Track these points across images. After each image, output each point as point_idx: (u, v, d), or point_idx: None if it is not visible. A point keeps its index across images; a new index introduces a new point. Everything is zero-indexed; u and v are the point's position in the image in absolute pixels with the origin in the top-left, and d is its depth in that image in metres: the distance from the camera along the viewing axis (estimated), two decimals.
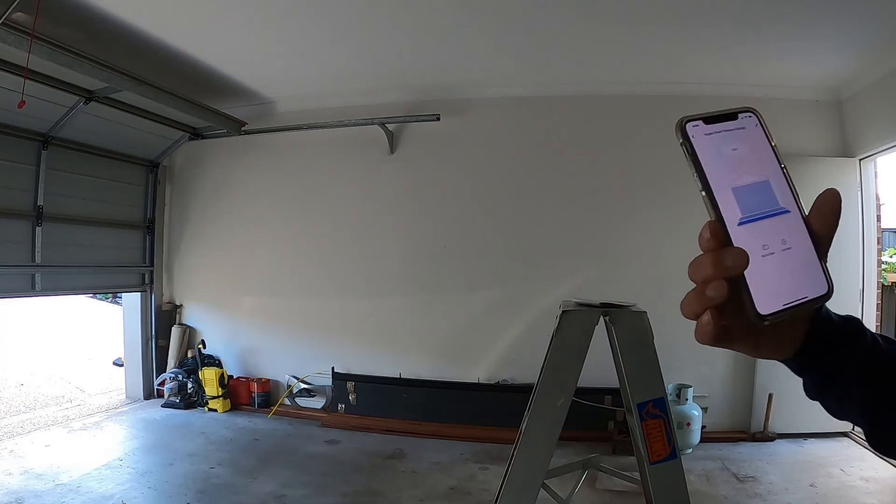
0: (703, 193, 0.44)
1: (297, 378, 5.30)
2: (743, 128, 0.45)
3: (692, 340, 0.46)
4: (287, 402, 5.29)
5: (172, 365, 5.53)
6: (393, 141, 5.15)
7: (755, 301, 0.42)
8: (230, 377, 5.37)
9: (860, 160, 4.43)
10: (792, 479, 3.59)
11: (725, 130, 0.45)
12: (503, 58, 4.33)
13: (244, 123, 5.24)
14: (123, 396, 5.69)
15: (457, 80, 4.76)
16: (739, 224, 0.43)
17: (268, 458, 4.05)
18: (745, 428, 4.49)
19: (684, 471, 2.15)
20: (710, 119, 0.45)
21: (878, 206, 4.57)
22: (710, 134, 0.44)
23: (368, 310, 5.24)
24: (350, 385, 5.03)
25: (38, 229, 4.47)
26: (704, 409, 4.28)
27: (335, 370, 5.09)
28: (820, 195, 0.45)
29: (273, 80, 4.87)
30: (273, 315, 5.52)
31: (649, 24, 3.65)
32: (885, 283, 5.51)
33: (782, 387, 4.39)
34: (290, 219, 5.46)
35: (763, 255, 0.42)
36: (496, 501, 2.24)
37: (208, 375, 5.19)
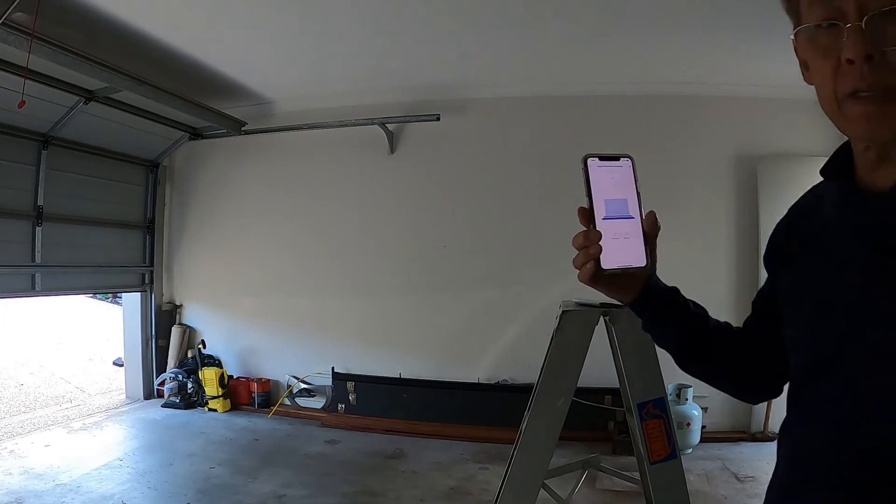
0: (587, 199, 0.73)
1: (297, 378, 5.30)
2: (620, 166, 0.75)
3: None
4: (287, 402, 5.29)
5: (172, 365, 5.53)
6: (393, 141, 5.14)
7: (602, 260, 0.72)
8: (230, 377, 5.37)
9: None
10: None
11: (610, 166, 0.75)
12: (503, 58, 4.33)
13: (244, 123, 5.24)
14: (123, 396, 5.69)
15: (457, 80, 4.76)
16: (604, 219, 0.73)
17: (268, 458, 4.05)
18: (745, 428, 4.49)
19: (684, 471, 2.15)
20: (602, 157, 0.74)
21: None
22: (601, 166, 0.74)
23: (368, 309, 5.24)
24: (350, 385, 5.03)
25: (38, 229, 4.46)
26: (704, 409, 4.28)
27: (335, 370, 5.09)
28: (649, 213, 0.78)
29: (273, 80, 4.87)
30: (273, 315, 5.51)
31: (650, 25, 3.64)
32: None
33: None
34: (290, 219, 5.46)
35: (613, 238, 0.73)
36: (496, 501, 2.24)
37: (208, 375, 5.19)
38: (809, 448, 0.68)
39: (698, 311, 0.87)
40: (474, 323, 4.98)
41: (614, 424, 4.33)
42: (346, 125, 4.96)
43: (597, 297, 2.40)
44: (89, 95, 4.19)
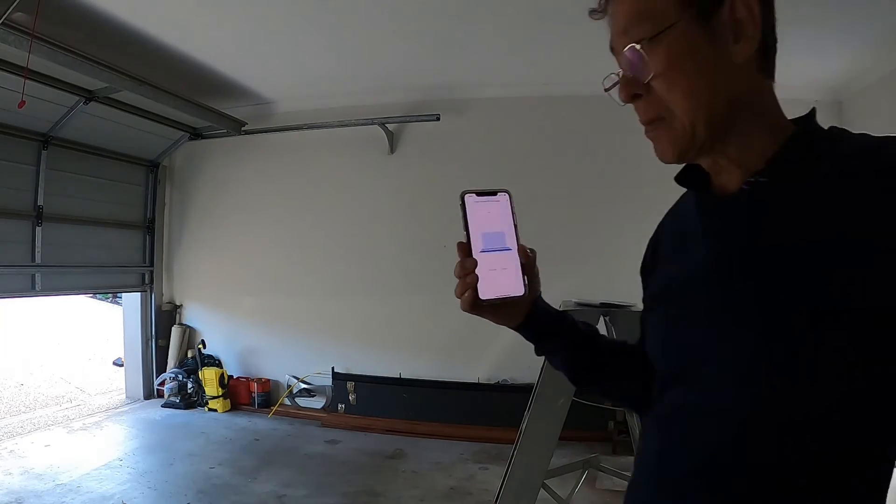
0: (465, 233, 0.74)
1: (297, 378, 5.30)
2: (498, 200, 0.77)
3: None
4: (287, 402, 5.29)
5: (172, 365, 5.54)
6: (393, 141, 5.15)
7: (479, 290, 0.73)
8: (230, 377, 5.37)
9: None
10: None
11: (487, 201, 0.76)
12: (503, 58, 4.33)
13: (244, 123, 5.24)
14: (123, 396, 5.69)
15: (457, 80, 4.76)
16: (481, 252, 0.74)
17: (268, 458, 4.05)
18: None
19: None
20: (479, 193, 0.76)
21: None
22: (478, 202, 0.76)
23: (368, 309, 5.24)
24: (350, 385, 5.03)
25: (38, 229, 4.47)
26: None
27: (335, 370, 5.09)
28: (521, 245, 0.77)
29: (273, 80, 4.87)
30: (273, 315, 5.52)
31: None
32: None
33: None
34: (290, 218, 5.46)
35: (490, 270, 0.74)
36: (496, 501, 2.24)
37: (208, 375, 5.19)
38: (666, 451, 0.69)
39: (588, 331, 0.89)
40: (474, 323, 4.87)
41: (614, 424, 4.33)
42: (346, 125, 4.96)
43: (597, 296, 2.40)
44: (89, 95, 4.20)
